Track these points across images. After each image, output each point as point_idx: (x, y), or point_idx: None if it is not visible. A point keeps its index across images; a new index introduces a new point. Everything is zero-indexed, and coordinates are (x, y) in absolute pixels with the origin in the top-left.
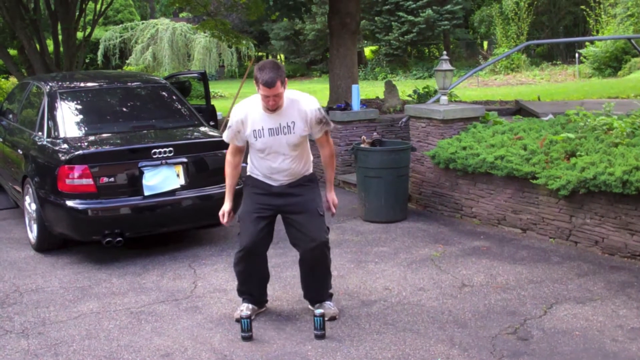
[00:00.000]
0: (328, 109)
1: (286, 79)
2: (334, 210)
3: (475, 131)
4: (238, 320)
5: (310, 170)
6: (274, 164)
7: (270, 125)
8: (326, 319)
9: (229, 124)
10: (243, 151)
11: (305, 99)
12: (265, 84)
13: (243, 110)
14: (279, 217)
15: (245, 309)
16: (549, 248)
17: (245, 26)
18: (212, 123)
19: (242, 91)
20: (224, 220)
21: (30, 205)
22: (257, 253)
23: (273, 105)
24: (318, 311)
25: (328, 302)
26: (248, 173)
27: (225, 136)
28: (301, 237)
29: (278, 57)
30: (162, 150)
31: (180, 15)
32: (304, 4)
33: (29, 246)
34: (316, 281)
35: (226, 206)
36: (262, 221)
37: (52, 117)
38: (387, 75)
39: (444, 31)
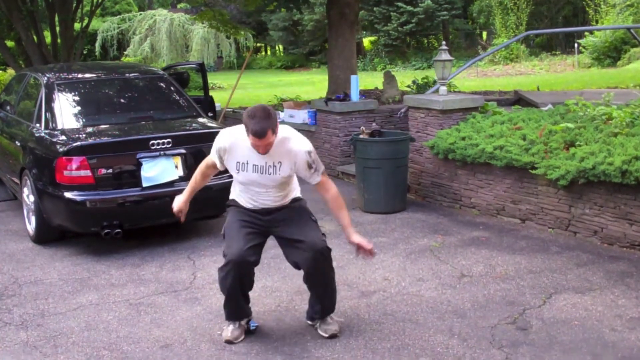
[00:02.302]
0: (327, 99)
1: (278, 124)
2: (368, 250)
3: (475, 121)
4: (228, 342)
5: (298, 194)
6: (257, 196)
7: (256, 161)
8: (326, 335)
9: (214, 147)
10: (218, 170)
11: (297, 140)
12: (256, 134)
13: (229, 139)
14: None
15: (232, 330)
16: (548, 238)
17: (243, 17)
18: (210, 114)
19: (240, 82)
20: (176, 211)
21: (28, 197)
22: (246, 266)
23: (263, 151)
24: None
25: (329, 318)
26: (231, 197)
27: (211, 152)
28: (298, 254)
29: (277, 47)
30: (160, 141)
31: (178, 6)
32: None
33: (28, 238)
34: (320, 294)
35: (180, 201)
36: (250, 231)
37: (50, 109)
38: (386, 66)
39: (443, 21)
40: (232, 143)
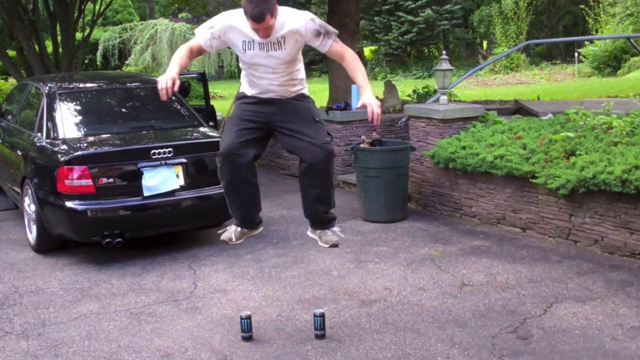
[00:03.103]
0: (328, 108)
1: (277, 6)
2: (375, 115)
3: (475, 131)
4: (226, 241)
5: (306, 91)
6: (265, 80)
7: (261, 40)
8: (327, 246)
9: (210, 24)
10: (198, 55)
11: (295, 16)
12: (254, 18)
13: (233, 18)
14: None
15: (234, 231)
16: (549, 247)
17: None
18: (211, 123)
19: None
20: (163, 87)
21: (29, 206)
22: (238, 160)
23: (263, 35)
24: (318, 311)
25: (329, 230)
26: (240, 90)
27: (199, 32)
28: (301, 145)
29: None
30: (161, 150)
31: (180, 15)
32: (303, 5)
33: (29, 247)
34: (317, 195)
35: (170, 72)
36: (249, 125)
37: (51, 118)
38: (387, 75)
39: (444, 31)
40: (236, 22)
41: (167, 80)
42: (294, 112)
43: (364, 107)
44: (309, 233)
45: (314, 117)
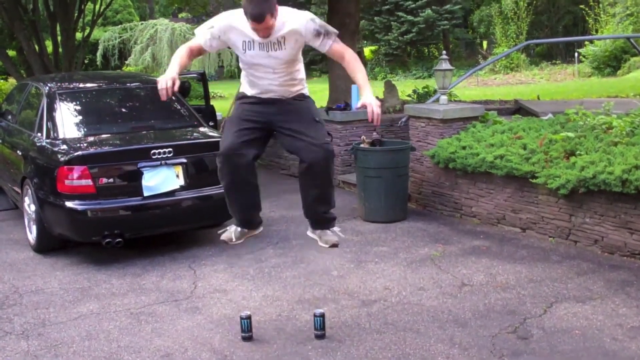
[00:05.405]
0: (328, 108)
1: (277, 6)
2: (375, 115)
3: (475, 131)
4: (226, 241)
5: (306, 91)
6: (265, 80)
7: (261, 40)
8: (327, 245)
9: (211, 24)
10: (198, 55)
11: (295, 16)
12: (254, 18)
13: (233, 18)
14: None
15: (234, 231)
16: (549, 247)
17: None
18: (211, 123)
19: None
20: (163, 87)
21: (29, 206)
22: (239, 159)
23: (263, 35)
24: (318, 311)
25: (329, 230)
26: (240, 90)
27: (199, 32)
28: (301, 145)
29: None
30: (161, 150)
31: (180, 15)
32: (303, 5)
33: (29, 247)
34: (317, 195)
35: (170, 72)
36: (249, 125)
37: (51, 118)
38: (387, 75)
39: (444, 31)
40: (236, 22)
41: (167, 80)
42: (295, 112)
43: (364, 107)
44: (309, 233)
45: (314, 117)
